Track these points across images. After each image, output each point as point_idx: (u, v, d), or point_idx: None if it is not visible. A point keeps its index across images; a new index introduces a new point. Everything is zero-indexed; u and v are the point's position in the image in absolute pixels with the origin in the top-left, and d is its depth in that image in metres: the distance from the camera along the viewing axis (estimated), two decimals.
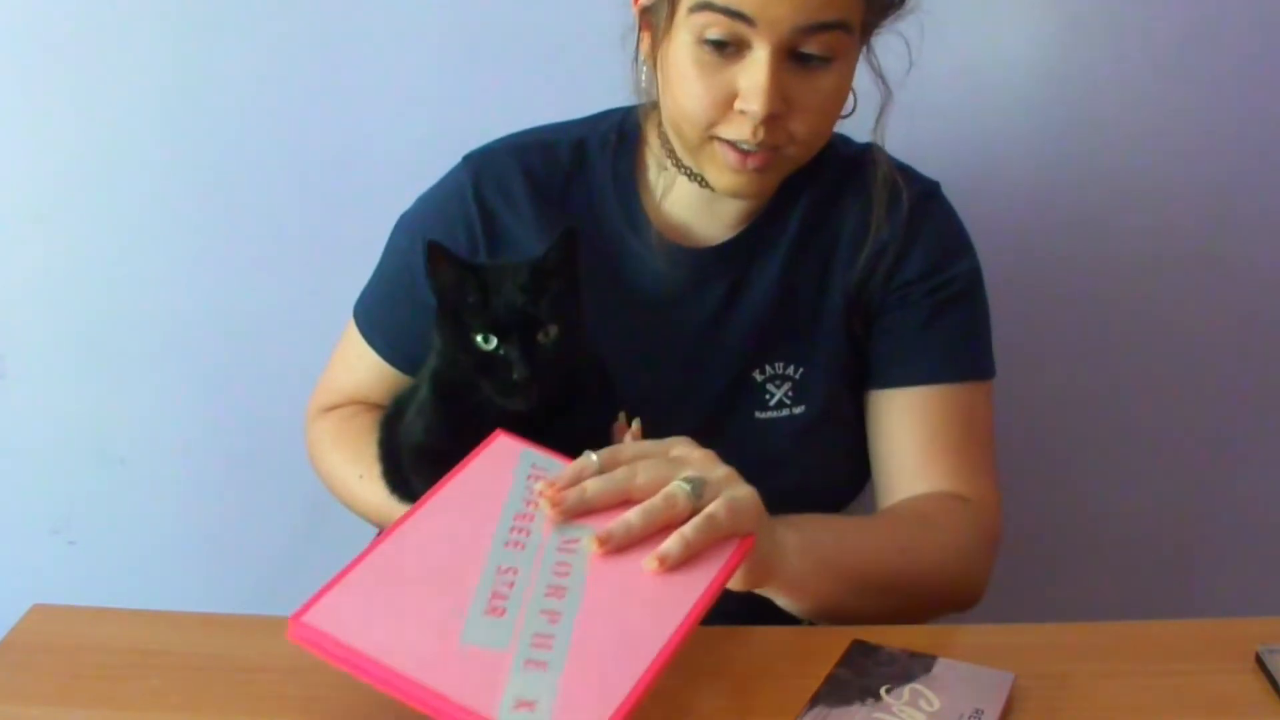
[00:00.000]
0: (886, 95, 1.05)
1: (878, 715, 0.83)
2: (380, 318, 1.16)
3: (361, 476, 1.08)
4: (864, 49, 1.02)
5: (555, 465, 0.88)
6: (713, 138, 0.98)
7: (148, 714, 0.86)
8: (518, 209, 1.09)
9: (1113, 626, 0.98)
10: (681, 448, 0.87)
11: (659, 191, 1.09)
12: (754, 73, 0.92)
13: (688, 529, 0.81)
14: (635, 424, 0.97)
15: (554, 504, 0.81)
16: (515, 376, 0.90)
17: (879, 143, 1.08)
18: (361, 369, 1.16)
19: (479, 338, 0.91)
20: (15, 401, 1.58)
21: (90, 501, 1.64)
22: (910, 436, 1.08)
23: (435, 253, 0.92)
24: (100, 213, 1.51)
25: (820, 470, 1.11)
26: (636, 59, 1.04)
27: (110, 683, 0.89)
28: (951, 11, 1.43)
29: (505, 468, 0.88)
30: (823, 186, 1.09)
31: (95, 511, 1.64)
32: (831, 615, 0.97)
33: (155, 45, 1.45)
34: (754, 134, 0.94)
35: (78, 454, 1.61)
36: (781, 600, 0.95)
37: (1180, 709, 0.87)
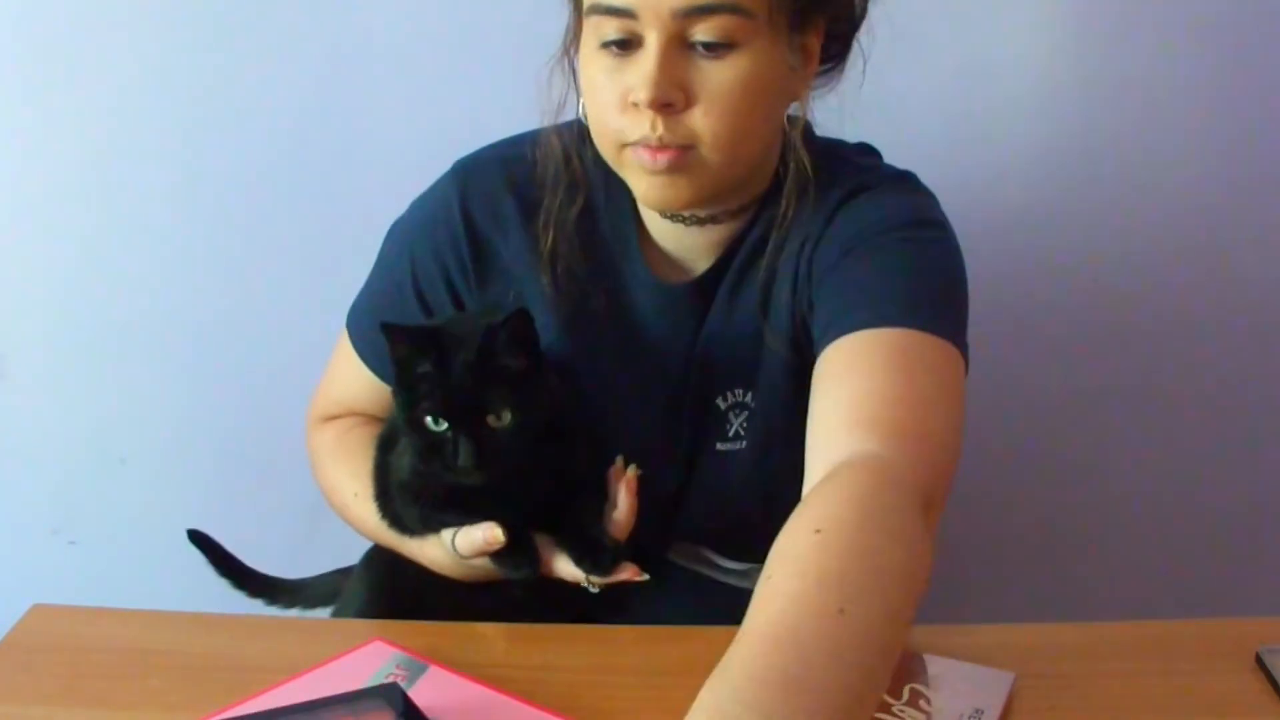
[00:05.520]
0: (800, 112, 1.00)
1: (878, 715, 0.83)
2: (371, 331, 1.12)
3: (356, 495, 1.07)
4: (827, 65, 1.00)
5: (423, 667, 0.88)
6: (625, 145, 0.94)
7: (148, 714, 0.86)
8: (506, 230, 1.06)
9: (1113, 627, 0.98)
10: None
11: (645, 219, 1.06)
12: (643, 62, 0.90)
13: None
14: (631, 469, 0.97)
15: None
16: (460, 463, 0.89)
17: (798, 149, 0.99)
18: (356, 381, 1.15)
19: (428, 419, 0.89)
20: (15, 401, 1.58)
21: (90, 501, 1.63)
22: (839, 386, 0.89)
23: (389, 331, 0.91)
24: (100, 214, 1.51)
25: (775, 501, 0.92)
26: (569, 62, 1.01)
27: (110, 683, 0.89)
28: (951, 11, 1.43)
29: (371, 666, 0.88)
30: (778, 202, 1.03)
31: (95, 511, 1.64)
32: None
33: (155, 48, 1.44)
34: (653, 128, 0.90)
35: (78, 454, 1.61)
36: None
37: (1180, 709, 0.87)
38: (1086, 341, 1.59)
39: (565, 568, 0.94)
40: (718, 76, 0.90)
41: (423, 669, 0.88)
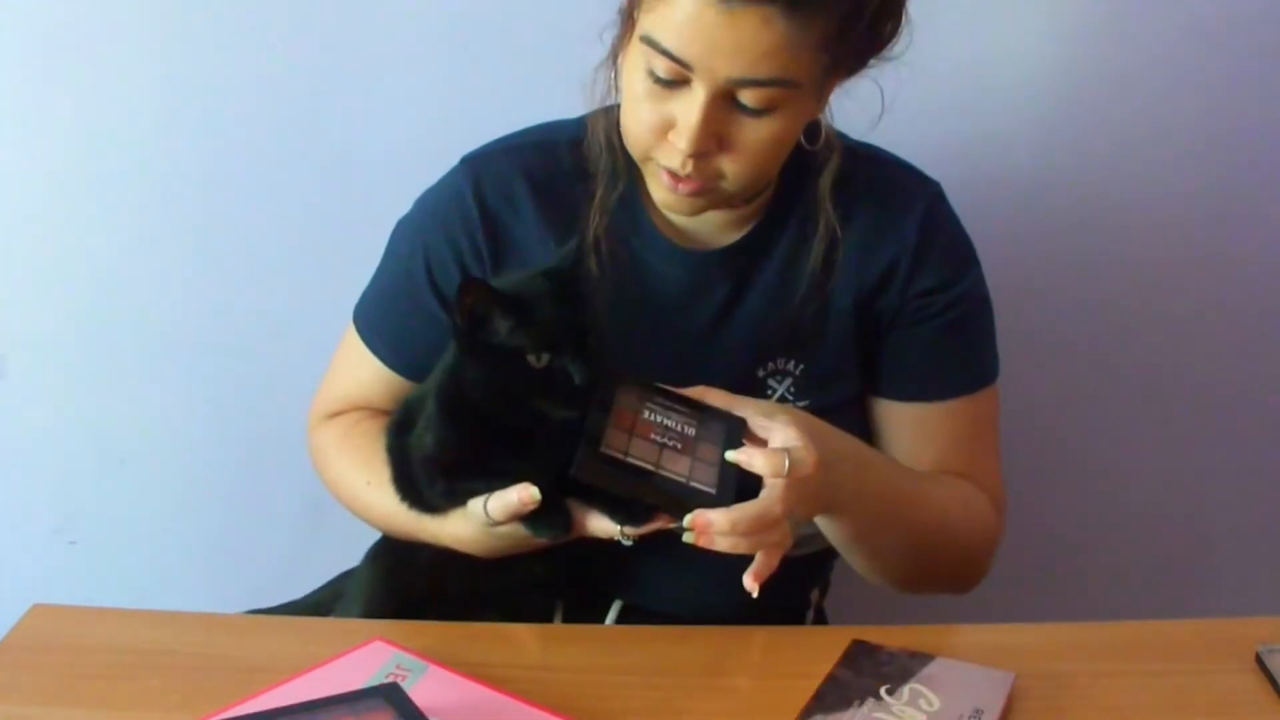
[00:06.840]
0: (828, 152, 1.07)
1: (878, 715, 0.83)
2: (381, 324, 1.15)
3: (369, 483, 1.07)
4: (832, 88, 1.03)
5: (424, 667, 0.88)
6: (652, 159, 0.99)
7: (148, 714, 0.86)
8: (520, 212, 1.09)
9: (1113, 626, 0.98)
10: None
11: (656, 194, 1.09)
12: (688, 110, 0.93)
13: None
14: None
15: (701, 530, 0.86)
16: (578, 382, 0.89)
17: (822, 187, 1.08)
18: (364, 375, 1.16)
19: (531, 357, 0.90)
20: (15, 401, 1.58)
21: (90, 501, 1.63)
22: (925, 447, 1.11)
23: (472, 285, 0.90)
24: (100, 213, 1.51)
25: None
26: (614, 60, 1.03)
27: (110, 683, 0.89)
28: (950, 11, 1.43)
29: (371, 666, 0.88)
30: (821, 184, 1.09)
31: (95, 511, 1.64)
32: (864, 551, 1.06)
33: (154, 46, 1.44)
34: (683, 166, 0.96)
35: (78, 454, 1.61)
36: (825, 522, 1.02)
37: (1180, 709, 0.87)
38: (1086, 342, 1.59)
39: (598, 524, 0.93)
40: (754, 134, 0.96)
41: (423, 669, 0.88)
